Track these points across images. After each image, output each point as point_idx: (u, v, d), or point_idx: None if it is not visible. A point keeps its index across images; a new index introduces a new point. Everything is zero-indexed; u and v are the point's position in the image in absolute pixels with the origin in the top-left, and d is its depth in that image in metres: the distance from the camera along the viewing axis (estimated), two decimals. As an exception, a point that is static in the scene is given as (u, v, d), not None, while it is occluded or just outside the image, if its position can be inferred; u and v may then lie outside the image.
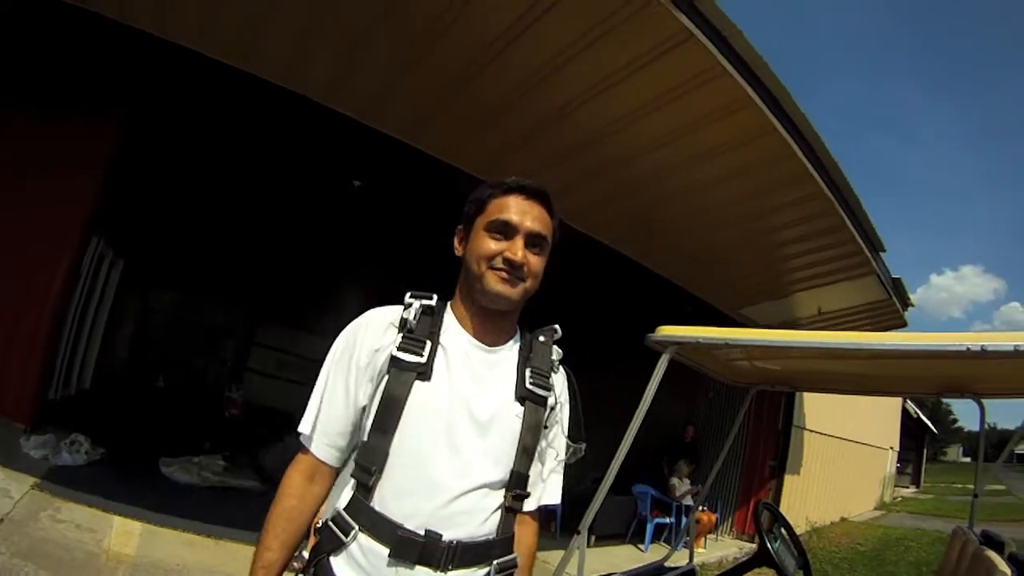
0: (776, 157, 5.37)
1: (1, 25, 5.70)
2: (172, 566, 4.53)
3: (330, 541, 1.41)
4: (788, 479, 11.13)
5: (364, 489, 1.40)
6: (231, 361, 12.81)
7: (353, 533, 1.38)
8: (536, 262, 1.51)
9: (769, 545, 3.62)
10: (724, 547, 9.67)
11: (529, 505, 1.58)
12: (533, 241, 1.50)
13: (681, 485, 9.26)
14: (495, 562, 1.44)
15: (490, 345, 1.54)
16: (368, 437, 1.43)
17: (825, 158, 5.60)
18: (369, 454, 1.41)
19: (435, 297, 1.54)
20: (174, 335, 11.98)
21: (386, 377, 1.43)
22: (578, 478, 9.99)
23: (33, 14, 5.18)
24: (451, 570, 1.37)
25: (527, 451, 1.49)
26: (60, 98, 6.35)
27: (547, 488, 1.65)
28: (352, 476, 1.45)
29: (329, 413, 1.48)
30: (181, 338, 12.06)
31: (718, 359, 3.42)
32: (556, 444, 1.63)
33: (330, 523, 1.43)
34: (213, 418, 9.58)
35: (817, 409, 12.18)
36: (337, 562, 1.40)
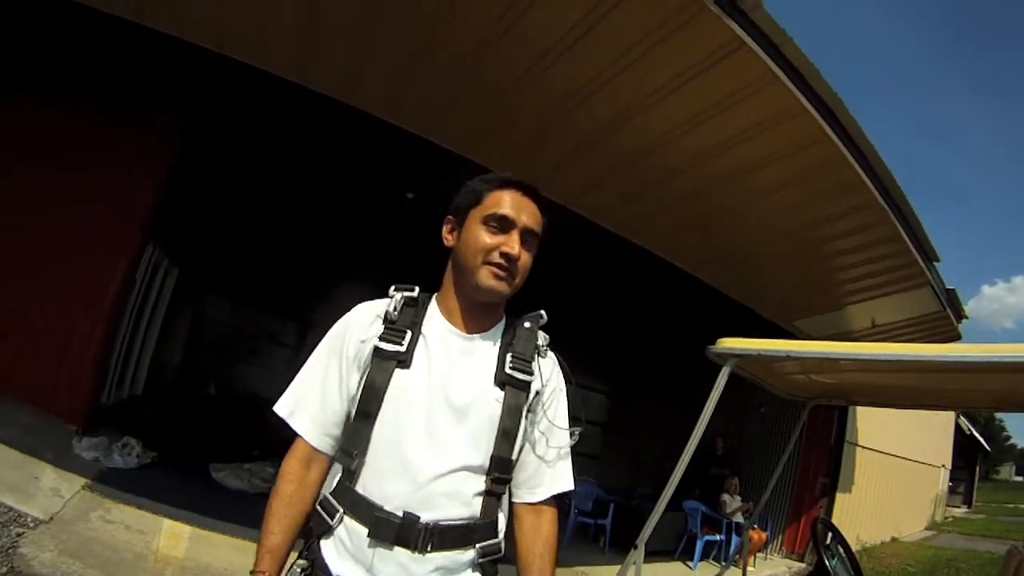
0: (829, 166, 5.27)
1: (60, 35, 5.88)
2: (220, 570, 4.56)
3: (319, 525, 1.46)
4: (839, 497, 10.85)
5: (348, 473, 1.45)
6: (282, 370, 12.97)
7: (338, 516, 1.43)
8: (527, 258, 1.54)
9: (827, 562, 3.53)
10: (773, 566, 9.48)
11: (541, 493, 1.60)
12: (526, 237, 1.53)
13: (732, 502, 9.10)
14: (478, 545, 1.46)
15: (472, 333, 1.56)
16: (351, 424, 1.48)
17: (878, 166, 5.48)
18: (352, 439, 1.46)
19: (417, 289, 1.58)
20: (226, 343, 12.17)
21: (369, 366, 1.48)
22: (627, 493, 9.96)
23: (93, 25, 5.32)
24: (430, 551, 1.40)
25: (507, 435, 1.50)
26: (120, 109, 6.53)
27: (557, 475, 1.64)
28: (338, 461, 1.50)
29: (324, 403, 1.52)
30: (233, 346, 12.26)
31: (776, 372, 3.36)
32: (549, 429, 1.63)
33: (318, 507, 1.48)
34: (263, 426, 9.64)
35: (869, 425, 11.86)
36: (326, 545, 1.45)
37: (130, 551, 4.43)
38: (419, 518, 1.39)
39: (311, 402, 1.53)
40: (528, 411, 1.57)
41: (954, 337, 8.68)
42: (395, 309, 1.52)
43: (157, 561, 4.43)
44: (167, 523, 5.08)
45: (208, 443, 7.64)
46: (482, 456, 1.48)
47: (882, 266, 6.87)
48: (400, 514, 1.39)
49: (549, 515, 1.63)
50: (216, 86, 6.44)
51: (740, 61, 4.26)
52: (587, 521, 8.68)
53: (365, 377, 1.48)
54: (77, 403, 6.51)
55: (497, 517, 1.52)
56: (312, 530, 1.47)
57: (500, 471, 1.50)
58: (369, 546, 1.39)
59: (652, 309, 11.55)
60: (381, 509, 1.40)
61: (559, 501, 1.65)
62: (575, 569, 7.32)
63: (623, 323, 13.02)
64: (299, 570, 1.43)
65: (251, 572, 1.41)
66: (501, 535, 1.53)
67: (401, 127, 5.69)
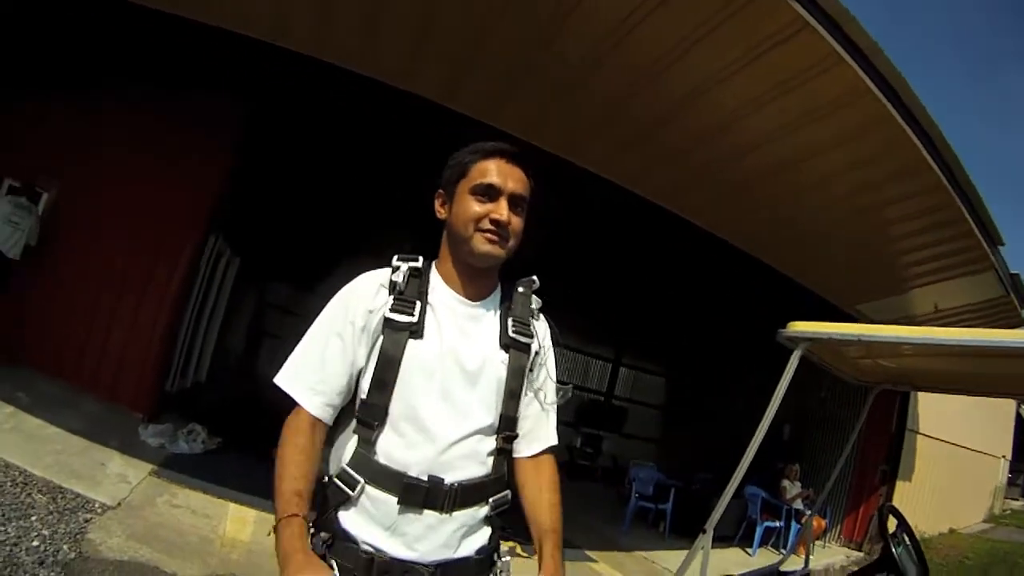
0: (893, 147, 5.16)
1: (128, 29, 6.06)
2: (285, 552, 4.68)
3: (336, 495, 1.48)
4: (899, 485, 10.64)
5: (367, 444, 1.49)
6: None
7: (360, 487, 1.47)
8: (518, 222, 1.58)
9: (893, 550, 3.47)
10: (831, 554, 9.36)
11: (536, 447, 1.70)
12: (515, 202, 1.57)
13: (792, 488, 9.01)
14: (491, 500, 1.56)
15: (473, 299, 1.62)
16: (367, 395, 1.51)
17: (943, 148, 5.35)
18: (370, 411, 1.49)
19: (421, 259, 1.62)
20: (287, 329, 12.15)
21: (380, 338, 1.52)
22: (687, 478, 9.90)
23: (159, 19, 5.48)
24: (455, 510, 1.48)
25: (513, 395, 1.59)
26: (186, 102, 6.73)
27: (549, 430, 1.73)
28: (354, 432, 1.53)
29: (325, 373, 1.53)
30: (294, 332, 12.38)
31: (844, 356, 3.31)
32: (547, 386, 1.72)
33: (335, 479, 1.50)
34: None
35: (929, 412, 11.57)
36: (345, 515, 1.48)
37: (196, 535, 4.56)
38: (443, 480, 1.47)
39: (312, 373, 1.54)
40: (528, 371, 1.65)
41: (1018, 323, 8.42)
42: (404, 280, 1.56)
43: (223, 545, 4.54)
44: (232, 507, 5.22)
45: (272, 428, 7.79)
46: (493, 416, 1.56)
47: (945, 249, 6.71)
48: (426, 478, 1.46)
49: (547, 460, 1.72)
50: (277, 79, 6.55)
51: (803, 42, 4.20)
52: (647, 506, 8.69)
53: (378, 348, 1.52)
54: (143, 391, 6.75)
55: (504, 472, 1.62)
56: (328, 501, 1.49)
57: (509, 429, 1.59)
58: (399, 512, 1.45)
59: (716, 293, 11.43)
60: (407, 475, 1.45)
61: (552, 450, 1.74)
62: (635, 554, 7.33)
63: (686, 307, 12.93)
64: (321, 542, 1.44)
65: (280, 519, 1.36)
66: (508, 489, 1.62)
67: (460, 112, 5.75)
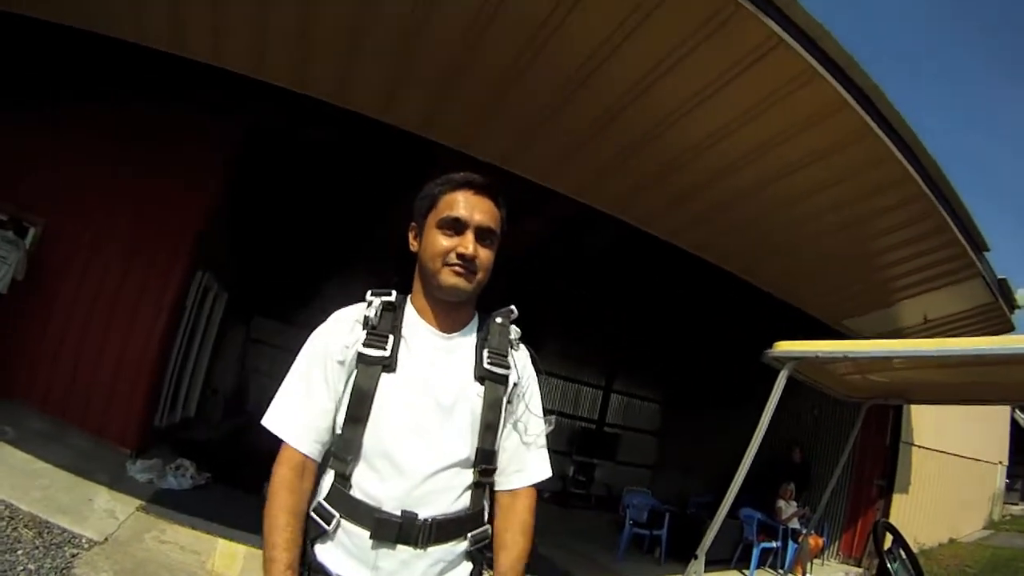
0: (874, 160, 5.18)
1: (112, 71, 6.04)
2: (275, 588, 4.61)
3: (313, 529, 1.49)
4: (896, 498, 10.57)
5: (341, 478, 1.49)
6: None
7: (335, 521, 1.47)
8: (486, 255, 1.58)
9: (888, 566, 3.45)
10: (830, 572, 9.30)
11: (516, 481, 1.67)
12: (482, 235, 1.56)
13: (787, 508, 8.95)
14: (469, 535, 1.53)
15: (448, 332, 1.61)
16: (342, 430, 1.51)
17: (924, 158, 5.37)
18: (344, 445, 1.50)
19: (394, 293, 1.62)
20: (276, 365, 12.29)
21: (355, 372, 1.53)
22: (683, 502, 9.85)
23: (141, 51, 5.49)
24: (430, 546, 1.46)
25: (490, 428, 1.57)
26: (169, 138, 6.73)
27: (534, 464, 1.70)
28: (330, 467, 1.53)
29: (313, 411, 1.54)
30: (282, 368, 12.32)
31: (833, 374, 3.30)
32: (526, 418, 1.69)
33: (312, 513, 1.50)
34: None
35: (924, 423, 11.54)
36: (322, 548, 1.49)
37: (184, 571, 4.52)
38: (417, 515, 1.45)
39: (299, 411, 1.54)
40: (507, 402, 1.62)
41: (1007, 328, 8.44)
42: (376, 315, 1.56)
43: (212, 581, 4.50)
44: (221, 543, 5.17)
45: (260, 463, 7.73)
46: (469, 450, 1.54)
47: (932, 259, 6.72)
48: (399, 513, 1.45)
49: (524, 499, 1.68)
50: (260, 114, 6.57)
51: (779, 58, 4.23)
52: (642, 532, 8.63)
53: (352, 383, 1.52)
54: (130, 426, 6.70)
55: (483, 506, 1.59)
56: (305, 534, 1.48)
57: (486, 463, 1.57)
58: (372, 547, 1.44)
59: (703, 315, 11.46)
60: (380, 510, 1.45)
61: (536, 488, 1.72)
62: (630, 582, 7.28)
63: (675, 331, 12.96)
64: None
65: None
66: (487, 524, 1.60)
67: (441, 142, 5.77)
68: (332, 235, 10.18)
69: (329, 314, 1.64)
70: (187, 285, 7.33)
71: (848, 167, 5.34)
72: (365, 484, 1.48)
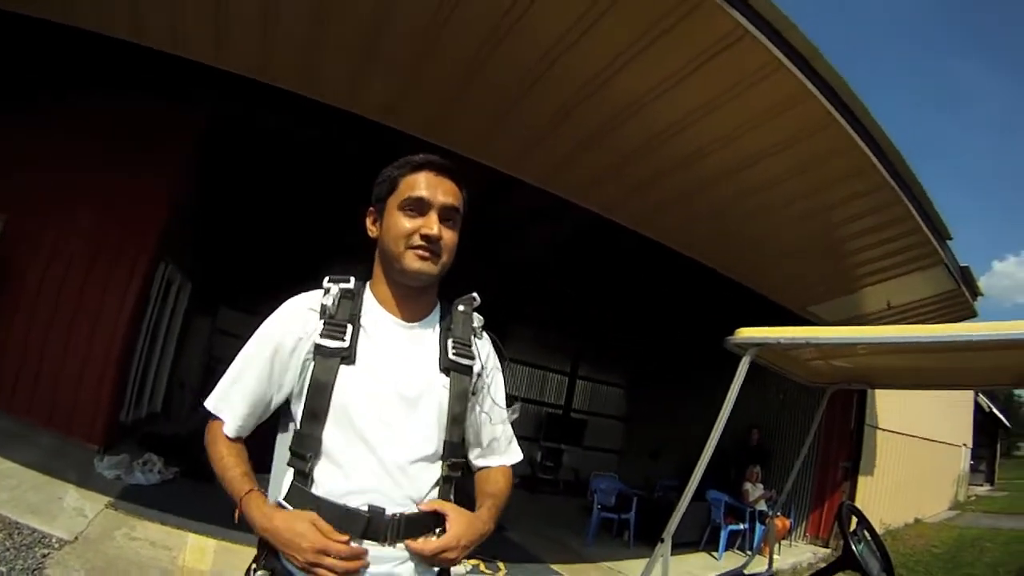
0: (838, 150, 5.27)
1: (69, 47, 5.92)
2: (247, 581, 4.60)
3: None
4: (862, 480, 10.80)
5: (302, 476, 1.44)
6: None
7: None
8: (450, 236, 1.53)
9: (854, 547, 3.51)
10: (798, 552, 9.42)
11: (493, 461, 1.69)
12: (446, 215, 1.53)
13: (754, 490, 9.11)
14: (438, 530, 1.46)
15: (410, 321, 1.57)
16: (301, 426, 1.46)
17: (887, 147, 5.47)
18: (303, 442, 1.45)
19: (352, 280, 1.57)
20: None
21: (312, 364, 1.47)
22: (649, 486, 9.95)
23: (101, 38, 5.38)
24: (399, 542, 1.41)
25: (457, 420, 1.53)
26: (132, 128, 6.60)
27: (505, 449, 1.72)
28: (288, 466, 1.48)
29: (248, 400, 1.52)
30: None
31: (796, 359, 3.34)
32: (490, 407, 1.66)
33: None
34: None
35: (888, 407, 11.80)
36: None
37: (156, 567, 4.47)
38: (384, 510, 1.41)
39: (236, 398, 1.53)
40: (472, 393, 1.59)
41: (970, 315, 8.63)
42: (333, 303, 1.51)
43: (184, 575, 4.47)
44: (192, 537, 5.12)
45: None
46: (436, 443, 1.50)
47: (895, 247, 6.86)
48: (366, 508, 1.40)
49: (503, 471, 1.71)
50: (227, 102, 6.48)
51: (743, 49, 4.26)
52: (611, 516, 8.68)
53: (309, 377, 1.47)
54: (97, 422, 6.59)
55: (454, 502, 1.54)
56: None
57: (455, 456, 1.53)
58: None
59: (668, 302, 11.54)
60: (346, 506, 1.40)
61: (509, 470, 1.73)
62: (601, 565, 7.34)
63: (640, 317, 13.02)
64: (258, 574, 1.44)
65: (241, 499, 1.42)
66: (458, 517, 1.52)
67: (407, 132, 5.74)
68: (297, 224, 10.08)
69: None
70: (151, 277, 7.21)
71: (812, 156, 5.42)
72: (328, 480, 1.43)
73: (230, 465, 1.48)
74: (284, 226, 10.20)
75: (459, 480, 1.58)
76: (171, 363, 9.76)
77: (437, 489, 1.50)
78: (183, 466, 6.79)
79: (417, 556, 1.44)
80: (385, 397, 1.47)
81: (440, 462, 1.51)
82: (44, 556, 4.10)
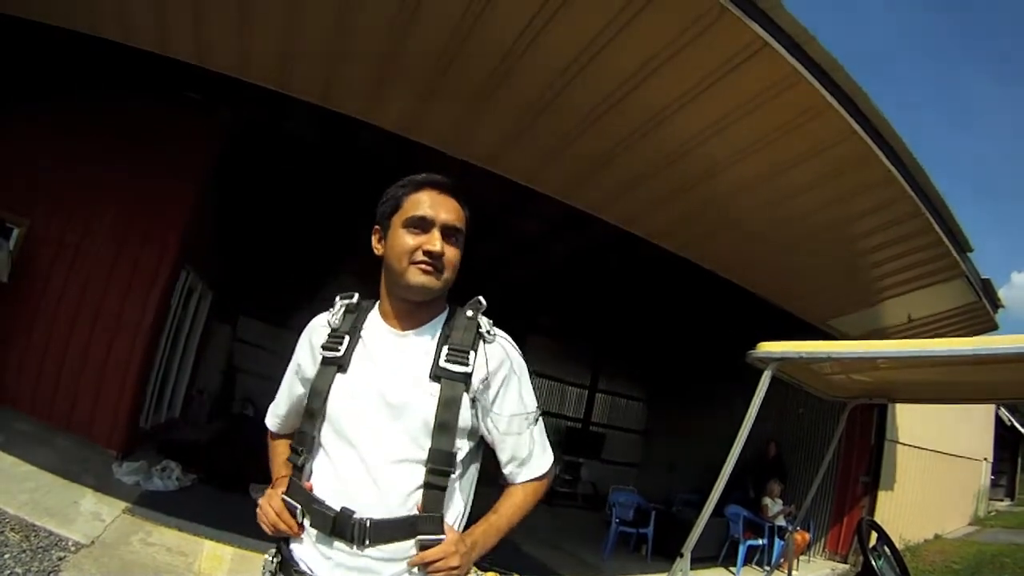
0: (858, 161, 5.22)
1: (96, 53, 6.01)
2: (262, 590, 4.61)
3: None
4: (881, 495, 10.64)
5: (297, 470, 1.58)
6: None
7: (299, 512, 1.53)
8: (453, 253, 1.58)
9: (873, 563, 3.48)
10: (816, 568, 9.33)
11: (519, 478, 1.69)
12: (448, 233, 1.58)
13: (773, 505, 9.00)
14: (419, 537, 1.47)
15: (404, 330, 1.61)
16: (301, 425, 1.62)
17: (907, 159, 5.41)
18: (299, 438, 1.60)
19: (357, 296, 1.69)
20: (262, 363, 12.08)
21: (316, 372, 1.61)
22: (669, 500, 9.89)
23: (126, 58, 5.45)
24: (368, 546, 1.45)
25: (445, 428, 1.52)
26: (153, 135, 6.69)
27: (531, 458, 1.69)
28: (288, 460, 1.64)
29: (281, 406, 1.79)
30: (269, 368, 12.38)
31: (817, 373, 3.32)
32: (504, 411, 1.62)
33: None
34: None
35: (909, 421, 11.62)
36: (294, 541, 1.57)
37: (172, 573, 4.51)
38: (353, 513, 1.46)
39: (279, 409, 1.80)
40: (474, 400, 1.57)
41: (991, 327, 8.52)
42: (338, 317, 1.63)
43: (199, 583, 4.49)
44: (208, 544, 5.15)
45: (247, 463, 7.74)
46: (421, 451, 1.51)
47: (915, 259, 6.77)
48: (337, 508, 1.47)
49: (526, 485, 1.70)
50: (250, 110, 6.54)
51: (764, 62, 4.26)
52: (628, 530, 8.65)
53: (312, 382, 1.60)
54: (116, 428, 6.65)
55: (442, 512, 1.51)
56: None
57: (440, 464, 1.51)
58: (317, 540, 1.50)
59: (688, 315, 11.49)
60: (321, 503, 1.49)
61: (541, 480, 1.73)
62: (618, 580, 7.31)
63: (659, 330, 12.97)
64: (272, 562, 1.58)
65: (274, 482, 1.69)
66: (448, 531, 1.52)
67: (427, 144, 5.76)
68: (317, 235, 10.14)
69: (315, 314, 1.71)
70: (172, 285, 7.29)
71: (832, 169, 5.38)
72: (314, 478, 1.56)
73: (271, 458, 1.82)
74: (304, 237, 10.27)
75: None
76: (191, 370, 9.83)
77: (419, 495, 1.49)
78: (201, 473, 6.84)
79: (392, 560, 1.48)
80: (370, 403, 1.52)
81: (424, 470, 1.51)
82: (60, 559, 4.16)
